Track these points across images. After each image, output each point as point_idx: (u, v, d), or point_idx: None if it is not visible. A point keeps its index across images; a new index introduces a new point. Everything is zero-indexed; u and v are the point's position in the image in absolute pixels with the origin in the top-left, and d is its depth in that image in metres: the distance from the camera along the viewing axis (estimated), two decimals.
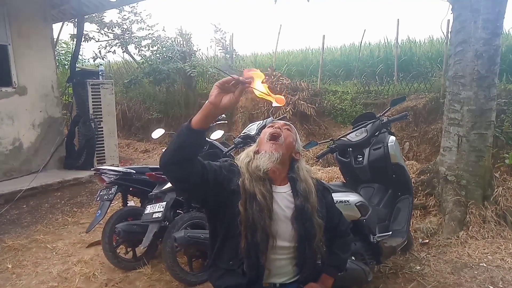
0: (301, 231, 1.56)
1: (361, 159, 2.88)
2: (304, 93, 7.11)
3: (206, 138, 3.73)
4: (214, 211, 1.61)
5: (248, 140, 3.39)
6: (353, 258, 2.46)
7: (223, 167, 1.59)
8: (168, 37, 10.02)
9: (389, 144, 2.83)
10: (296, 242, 1.58)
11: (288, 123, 1.76)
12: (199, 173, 1.45)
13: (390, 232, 2.71)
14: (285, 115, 5.50)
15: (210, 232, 1.67)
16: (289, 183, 1.65)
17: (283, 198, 1.61)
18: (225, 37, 9.23)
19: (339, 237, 1.79)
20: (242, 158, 1.66)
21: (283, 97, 1.41)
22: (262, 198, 1.51)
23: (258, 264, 1.52)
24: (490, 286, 2.84)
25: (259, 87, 1.36)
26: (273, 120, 3.53)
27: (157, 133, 4.01)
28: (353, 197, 2.53)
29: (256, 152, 1.66)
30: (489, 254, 3.26)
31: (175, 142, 1.39)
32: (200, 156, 1.47)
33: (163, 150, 1.47)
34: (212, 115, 1.35)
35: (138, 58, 10.33)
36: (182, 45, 9.30)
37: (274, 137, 1.64)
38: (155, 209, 3.01)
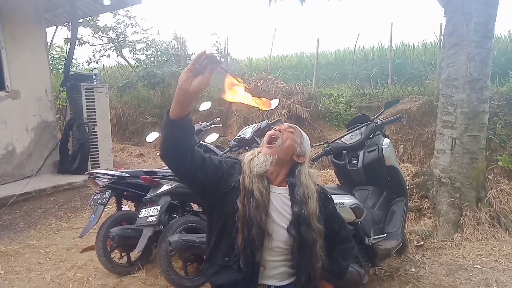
0: (296, 236, 1.56)
1: (355, 161, 2.89)
2: (299, 97, 7.14)
3: (201, 142, 3.74)
4: (211, 204, 1.63)
5: (243, 143, 3.39)
6: None
7: (224, 162, 1.62)
8: (162, 40, 10.05)
9: (383, 146, 2.85)
10: (291, 245, 1.57)
11: (293, 125, 1.72)
12: (198, 164, 1.49)
13: (385, 235, 2.71)
14: (280, 118, 5.50)
15: (207, 228, 1.69)
16: (287, 186, 1.64)
17: (279, 199, 1.61)
18: (220, 41, 9.26)
19: (340, 244, 1.77)
20: (247, 156, 1.67)
21: (270, 100, 1.41)
22: (259, 195, 1.53)
23: (253, 261, 1.52)
24: None
25: (242, 95, 1.38)
26: (268, 123, 3.53)
27: (152, 136, 3.98)
28: (348, 200, 2.53)
29: (260, 152, 1.68)
30: (483, 256, 3.28)
31: (163, 137, 1.43)
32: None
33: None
34: (186, 100, 1.34)
35: (132, 62, 10.34)
36: (176, 49, 9.31)
37: (271, 140, 1.64)
38: (150, 213, 2.99)
